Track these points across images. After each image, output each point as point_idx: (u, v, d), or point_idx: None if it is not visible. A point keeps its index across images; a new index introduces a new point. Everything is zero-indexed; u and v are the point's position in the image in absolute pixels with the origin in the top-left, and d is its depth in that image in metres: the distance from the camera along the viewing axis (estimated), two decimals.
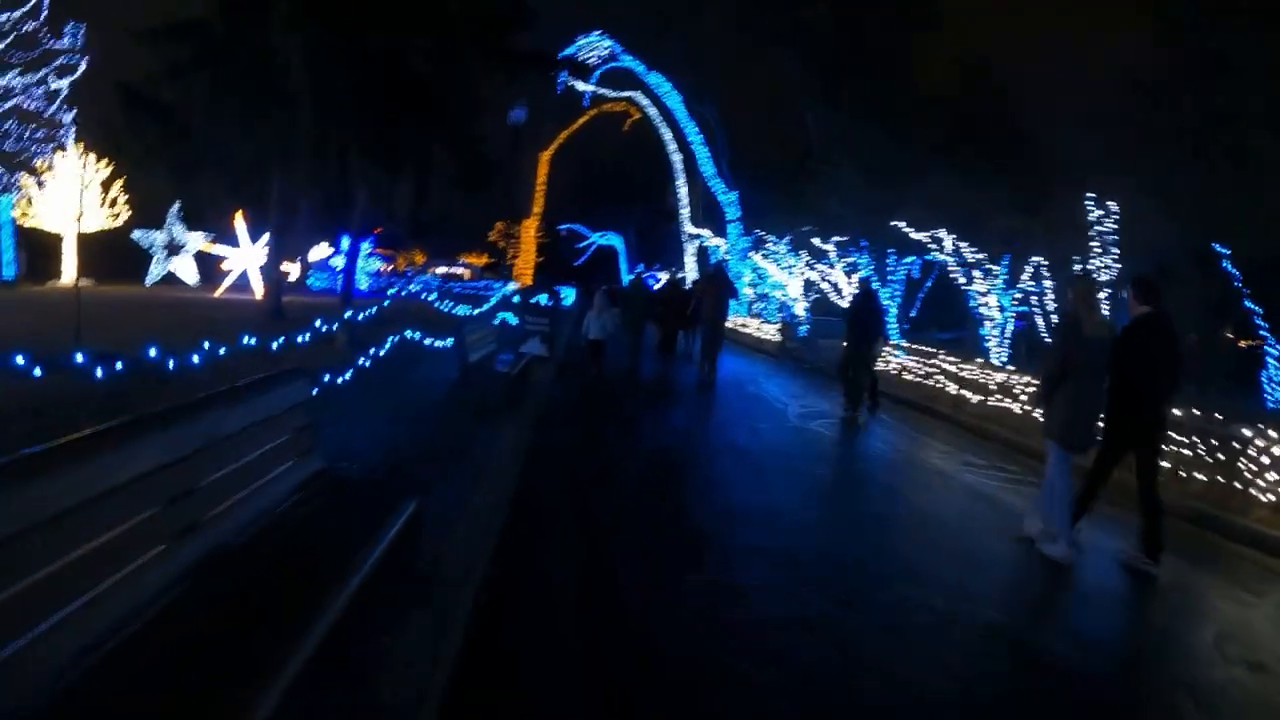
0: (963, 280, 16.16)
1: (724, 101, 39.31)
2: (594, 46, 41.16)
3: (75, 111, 30.17)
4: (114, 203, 33.21)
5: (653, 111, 44.98)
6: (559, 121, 61.98)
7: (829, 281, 25.70)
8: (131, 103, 17.05)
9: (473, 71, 17.92)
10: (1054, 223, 15.61)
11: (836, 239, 23.97)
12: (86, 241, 32.28)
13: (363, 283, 49.79)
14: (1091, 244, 14.28)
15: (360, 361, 7.89)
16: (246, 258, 32.88)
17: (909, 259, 18.89)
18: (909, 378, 16.30)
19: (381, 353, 8.56)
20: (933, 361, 16.02)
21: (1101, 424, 6.46)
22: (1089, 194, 14.55)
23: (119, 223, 33.12)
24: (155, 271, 32.46)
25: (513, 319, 16.63)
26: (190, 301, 24.76)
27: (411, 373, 10.77)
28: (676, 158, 46.33)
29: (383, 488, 4.53)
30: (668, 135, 45.22)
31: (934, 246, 16.37)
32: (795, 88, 33.69)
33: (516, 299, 16.63)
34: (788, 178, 33.55)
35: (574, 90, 45.49)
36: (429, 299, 11.49)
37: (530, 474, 6.94)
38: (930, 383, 15.40)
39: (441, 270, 76.98)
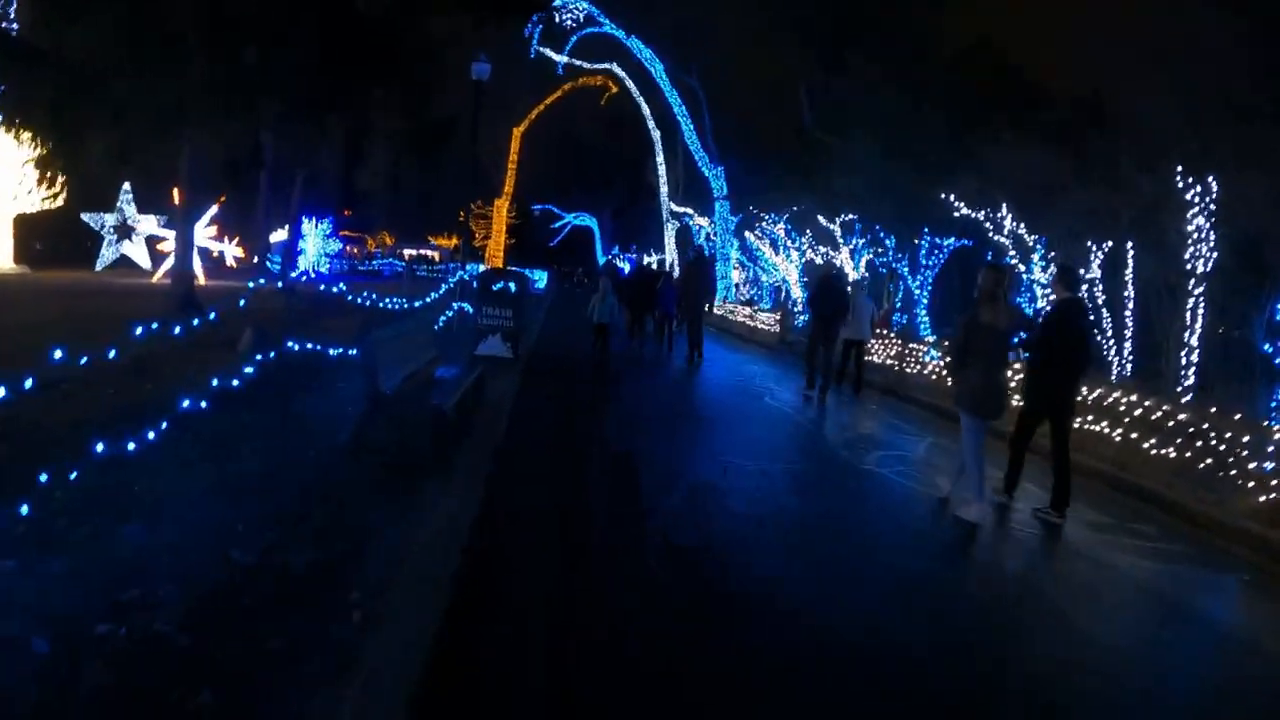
0: (1022, 268, 13.38)
1: (711, 68, 36.17)
2: (570, 8, 37.88)
3: None
4: (52, 181, 30.14)
5: (632, 85, 42.06)
6: (532, 96, 58.91)
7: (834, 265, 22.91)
8: None
9: (423, 6, 14.63)
10: (1132, 201, 12.91)
11: (845, 217, 21.15)
12: (29, 223, 29.26)
13: (322, 265, 46.50)
14: (1188, 227, 11.57)
15: (184, 404, 4.96)
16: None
17: (949, 241, 16.06)
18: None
19: (236, 383, 5.57)
20: None
21: (1020, 396, 7.37)
22: (1180, 168, 11.85)
23: (59, 203, 30.21)
24: (106, 256, 29.59)
25: (469, 308, 13.65)
26: (115, 289, 21.47)
27: (309, 402, 7.79)
28: (656, 133, 43.61)
29: None
30: (647, 110, 42.36)
31: (989, 227, 13.48)
32: (792, 52, 30.74)
33: (475, 285, 13.52)
34: (784, 151, 30.68)
35: (547, 59, 42.38)
36: (338, 290, 8.63)
37: (460, 621, 3.86)
38: None
39: (409, 253, 73.42)
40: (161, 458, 5.40)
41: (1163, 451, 8.97)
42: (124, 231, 31.01)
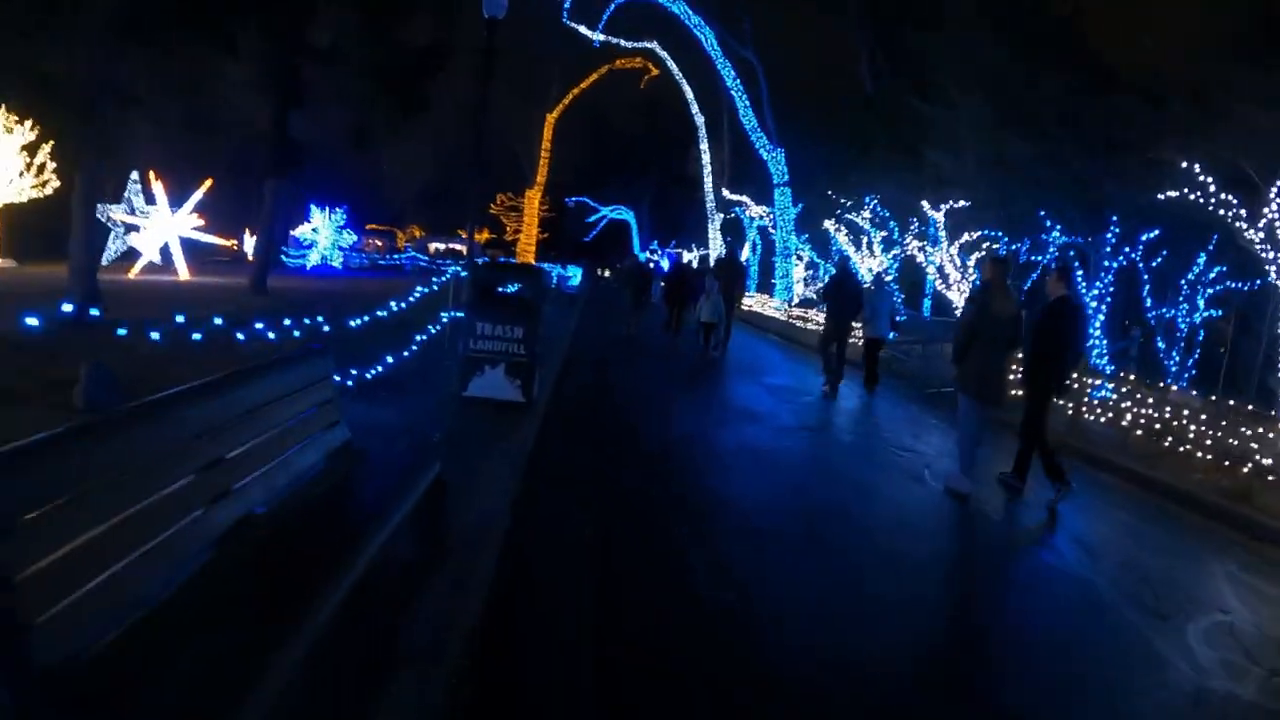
0: (1272, 270, 8.98)
1: (766, 34, 31.78)
2: None
3: None
4: (41, 169, 27.44)
5: (673, 65, 38.05)
6: (564, 81, 55.10)
7: (933, 264, 18.48)
8: None
9: None
10: None
11: (953, 204, 16.70)
12: (25, 214, 27.20)
13: (335, 259, 42.76)
14: None
15: None
16: (167, 227, 26.31)
17: (1150, 233, 11.56)
18: (1127, 425, 9.14)
19: None
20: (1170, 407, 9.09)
21: (1021, 385, 7.45)
22: None
23: (47, 191, 27.38)
24: (113, 249, 26.65)
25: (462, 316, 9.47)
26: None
27: None
28: (700, 119, 39.55)
29: None
30: (690, 94, 38.32)
31: (1227, 210, 8.96)
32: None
33: (468, 287, 9.27)
34: (855, 126, 26.37)
35: (580, 36, 38.49)
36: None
37: None
38: (1178, 446, 8.57)
39: (435, 246, 69.89)
40: None
41: None
42: (131, 225, 28.25)
